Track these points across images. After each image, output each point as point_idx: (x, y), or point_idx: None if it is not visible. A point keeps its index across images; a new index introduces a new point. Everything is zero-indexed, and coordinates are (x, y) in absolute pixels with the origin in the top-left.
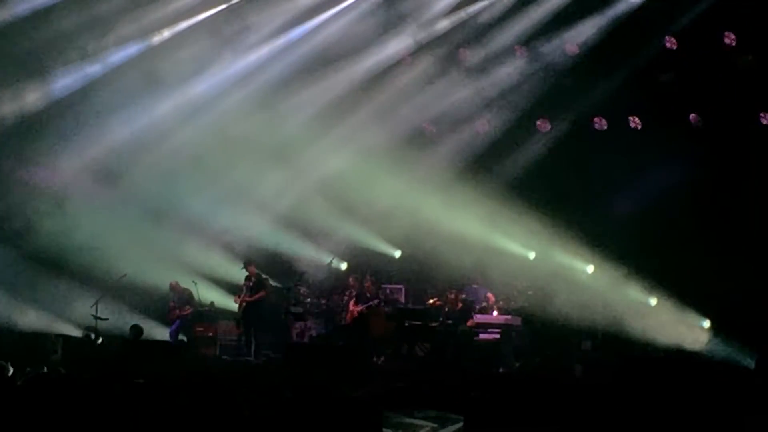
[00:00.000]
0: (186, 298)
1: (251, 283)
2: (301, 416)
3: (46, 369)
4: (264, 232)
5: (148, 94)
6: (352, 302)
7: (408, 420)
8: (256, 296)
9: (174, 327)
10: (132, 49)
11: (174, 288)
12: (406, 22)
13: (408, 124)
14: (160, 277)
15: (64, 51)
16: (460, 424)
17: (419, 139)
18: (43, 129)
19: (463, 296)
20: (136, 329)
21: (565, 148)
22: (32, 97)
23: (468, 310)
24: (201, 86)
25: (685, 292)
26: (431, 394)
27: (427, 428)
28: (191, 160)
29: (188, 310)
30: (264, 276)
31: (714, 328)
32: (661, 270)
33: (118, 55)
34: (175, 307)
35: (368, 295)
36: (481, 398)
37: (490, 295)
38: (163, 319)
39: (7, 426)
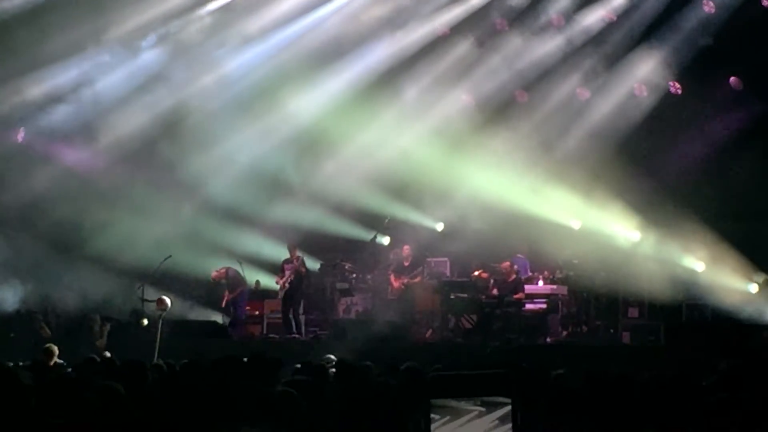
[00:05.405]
0: (233, 281)
1: (293, 265)
2: (346, 398)
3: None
4: (306, 211)
5: (179, 73)
6: (392, 276)
7: (455, 404)
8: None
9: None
10: (162, 30)
11: (218, 278)
12: None
13: (453, 100)
14: (203, 261)
15: (90, 34)
16: (509, 408)
17: (465, 115)
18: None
19: (516, 268)
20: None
21: (608, 115)
22: (63, 78)
23: (519, 282)
24: (235, 63)
25: (734, 258)
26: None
27: (475, 412)
28: (228, 142)
29: (238, 290)
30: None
31: (764, 292)
32: (708, 235)
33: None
34: (228, 292)
35: (405, 264)
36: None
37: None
38: (206, 303)
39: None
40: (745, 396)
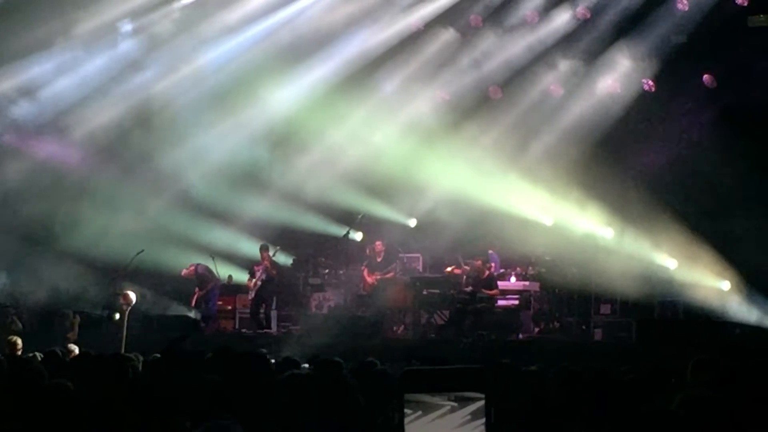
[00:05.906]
0: (203, 278)
1: (263, 265)
2: (320, 391)
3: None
4: (279, 207)
5: (153, 66)
6: (365, 271)
7: (427, 399)
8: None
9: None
10: (136, 23)
11: (188, 276)
12: None
13: (427, 97)
14: (176, 256)
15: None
16: (482, 403)
17: (438, 111)
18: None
19: (491, 264)
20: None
21: (581, 112)
22: (35, 71)
23: (493, 278)
24: (209, 56)
25: (706, 255)
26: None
27: (447, 407)
28: (202, 136)
29: (209, 285)
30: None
31: (736, 289)
32: (680, 232)
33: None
34: (198, 289)
35: (378, 260)
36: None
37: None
38: (179, 297)
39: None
40: (718, 393)
